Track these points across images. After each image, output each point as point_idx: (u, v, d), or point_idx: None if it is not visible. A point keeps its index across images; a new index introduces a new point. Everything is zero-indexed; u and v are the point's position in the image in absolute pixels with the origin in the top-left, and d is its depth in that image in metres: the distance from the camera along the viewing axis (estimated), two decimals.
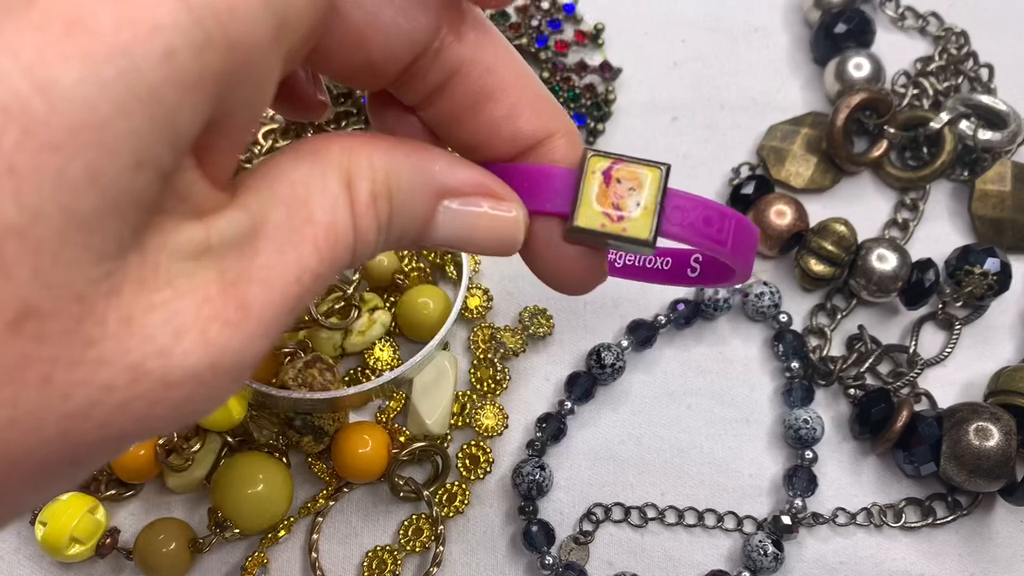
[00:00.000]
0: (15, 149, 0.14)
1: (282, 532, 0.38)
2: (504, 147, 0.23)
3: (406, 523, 0.38)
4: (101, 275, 0.15)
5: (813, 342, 0.41)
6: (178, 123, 0.15)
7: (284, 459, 0.39)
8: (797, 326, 0.42)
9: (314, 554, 0.38)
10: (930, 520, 0.39)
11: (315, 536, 0.38)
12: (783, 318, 0.41)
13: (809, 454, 0.39)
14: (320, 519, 0.38)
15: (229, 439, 0.38)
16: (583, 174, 0.22)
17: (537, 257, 0.24)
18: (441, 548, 0.38)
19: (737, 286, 0.41)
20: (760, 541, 0.37)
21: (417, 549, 0.38)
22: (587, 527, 0.39)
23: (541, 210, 0.22)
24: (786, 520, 0.38)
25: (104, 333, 0.15)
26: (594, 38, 0.47)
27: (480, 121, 0.23)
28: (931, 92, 0.45)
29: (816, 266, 0.41)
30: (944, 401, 0.40)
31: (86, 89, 0.14)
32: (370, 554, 0.38)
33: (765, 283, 0.42)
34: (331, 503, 0.39)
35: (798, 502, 0.38)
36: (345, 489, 0.39)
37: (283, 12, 0.16)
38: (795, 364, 0.40)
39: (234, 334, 0.17)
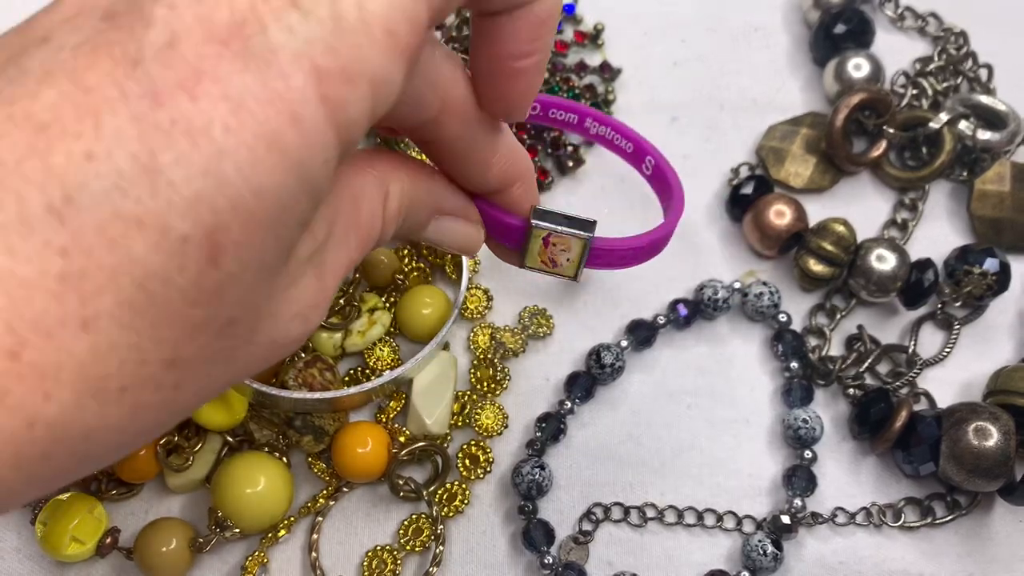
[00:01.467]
0: (234, 227, 0.18)
1: (282, 532, 0.38)
2: (476, 188, 0.29)
3: (406, 523, 0.38)
4: (268, 293, 0.21)
5: (812, 342, 0.42)
6: (313, 180, 0.20)
7: (284, 459, 0.39)
8: (796, 326, 0.42)
9: (314, 554, 0.38)
10: (929, 520, 0.39)
11: (315, 536, 0.38)
12: (782, 318, 0.41)
13: (808, 454, 0.39)
14: (320, 519, 0.38)
15: (229, 439, 0.39)
16: (529, 237, 0.30)
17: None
18: (441, 548, 0.38)
19: (736, 286, 0.42)
20: (759, 541, 0.37)
21: (417, 549, 0.38)
22: (587, 527, 0.39)
23: (502, 243, 0.31)
24: (785, 520, 0.38)
25: (261, 326, 0.22)
26: (594, 38, 0.47)
27: (459, 170, 0.29)
28: (930, 92, 0.46)
29: (815, 266, 0.42)
30: (943, 401, 0.40)
31: (278, 181, 0.19)
32: (370, 554, 0.38)
33: (764, 283, 0.42)
34: (331, 503, 0.39)
35: (797, 502, 0.38)
36: (345, 489, 0.39)
37: (378, 111, 0.21)
38: (794, 364, 0.41)
39: (320, 316, 0.24)
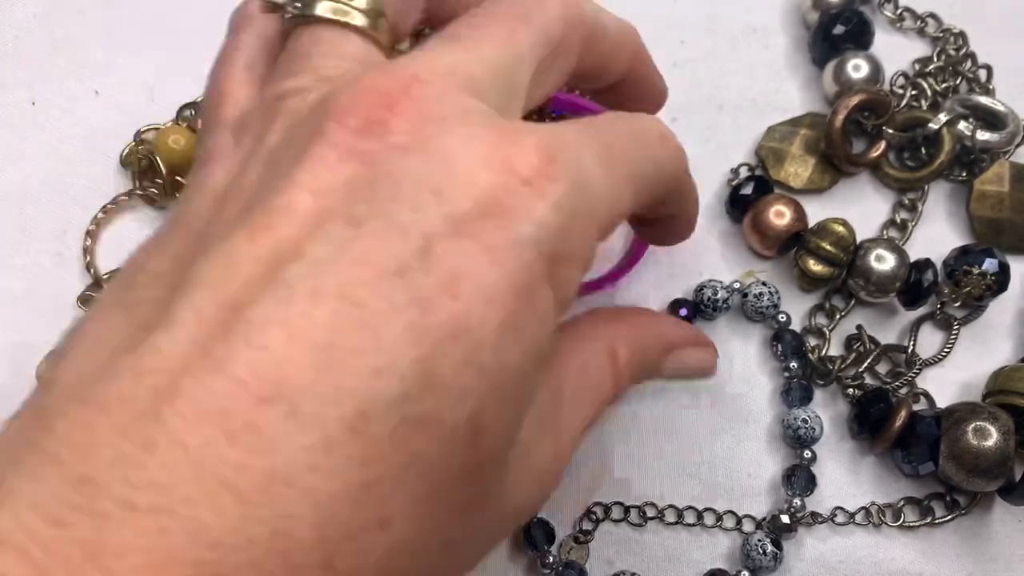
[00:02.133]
0: (489, 407, 0.20)
1: None
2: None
3: None
4: (511, 463, 0.23)
5: (812, 342, 0.42)
6: (546, 357, 0.23)
7: None
8: (796, 326, 0.42)
9: None
10: (929, 519, 0.39)
11: None
12: (782, 318, 0.41)
13: (808, 453, 0.39)
14: None
15: None
16: None
17: None
18: None
19: (736, 286, 0.42)
20: (759, 540, 0.37)
21: None
22: (587, 526, 0.39)
23: None
24: (785, 519, 0.38)
25: (508, 497, 0.23)
26: None
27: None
28: (929, 93, 0.46)
29: (815, 266, 0.42)
30: (942, 401, 0.40)
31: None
32: None
33: (764, 283, 0.42)
34: None
35: (797, 501, 0.38)
36: None
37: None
38: (794, 364, 0.41)
39: (556, 481, 0.26)
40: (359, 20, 0.24)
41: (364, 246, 0.18)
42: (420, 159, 0.19)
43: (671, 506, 0.39)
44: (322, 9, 0.24)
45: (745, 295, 0.42)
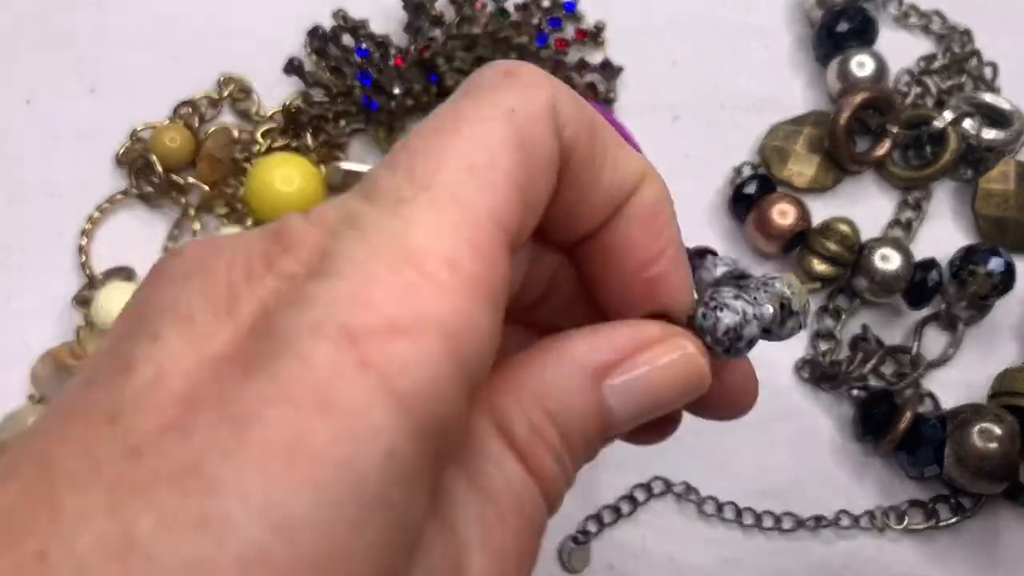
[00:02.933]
0: None
1: None
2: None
3: None
4: None
5: (822, 346, 0.41)
6: (408, 523, 0.15)
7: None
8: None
9: None
10: (933, 522, 0.38)
11: None
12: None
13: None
14: None
15: None
16: None
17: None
18: None
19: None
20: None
21: None
22: (591, 527, 0.38)
23: None
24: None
25: None
26: (595, 36, 0.47)
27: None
28: (934, 91, 0.45)
29: (819, 266, 0.41)
30: (947, 402, 0.40)
31: (320, 515, 0.14)
32: None
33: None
34: None
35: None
36: None
37: (470, 368, 0.16)
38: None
39: None
40: None
41: (93, 397, 0.15)
42: None
43: (677, 492, 0.39)
44: None
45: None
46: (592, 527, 0.38)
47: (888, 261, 0.40)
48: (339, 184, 0.43)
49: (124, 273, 0.42)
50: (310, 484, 0.14)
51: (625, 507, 0.39)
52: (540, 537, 0.19)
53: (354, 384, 0.14)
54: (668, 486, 0.39)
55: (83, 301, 0.41)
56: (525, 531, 0.18)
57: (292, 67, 0.45)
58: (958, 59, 0.46)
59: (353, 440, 0.14)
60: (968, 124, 0.43)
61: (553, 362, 0.19)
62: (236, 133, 0.44)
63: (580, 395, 0.19)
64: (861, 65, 0.44)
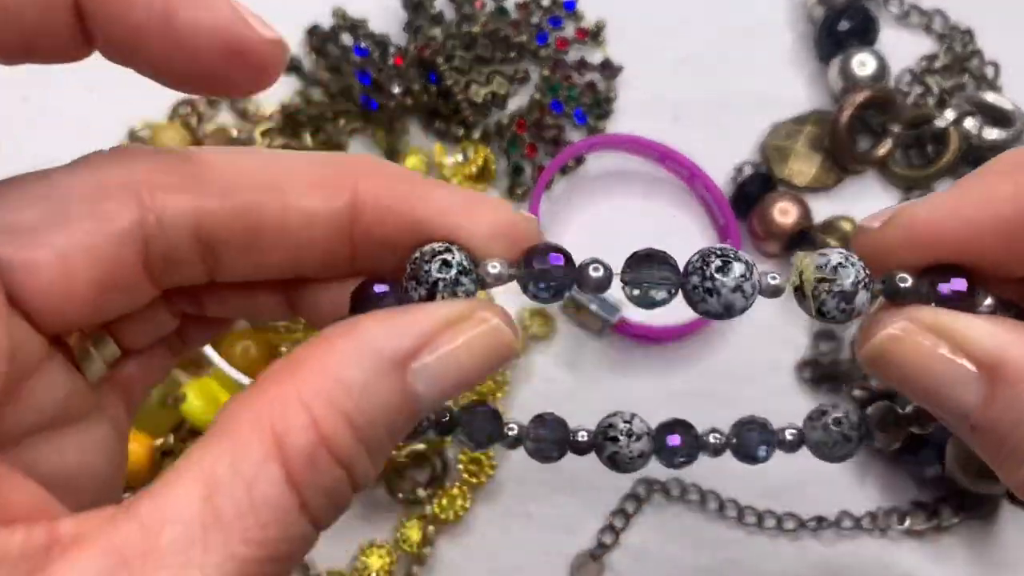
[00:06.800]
0: None
1: None
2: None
3: (406, 524, 0.38)
4: None
5: (823, 347, 0.41)
6: None
7: None
8: (803, 327, 0.41)
9: None
10: (935, 523, 0.38)
11: None
12: None
13: None
14: None
15: None
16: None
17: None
18: (436, 550, 0.37)
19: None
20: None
21: (414, 551, 0.37)
22: (607, 539, 0.38)
23: None
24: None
25: None
26: (595, 35, 0.46)
27: None
28: (936, 90, 0.45)
29: None
30: None
31: None
32: (364, 555, 0.37)
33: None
34: None
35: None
36: None
37: None
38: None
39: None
40: None
41: None
42: None
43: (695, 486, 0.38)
44: None
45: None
46: (607, 539, 0.38)
47: None
48: None
49: None
50: None
51: (630, 506, 0.38)
52: (289, 557, 0.18)
53: None
54: (669, 486, 0.39)
55: None
56: (264, 556, 0.17)
57: (291, 66, 0.45)
58: (960, 58, 0.46)
59: None
60: (970, 123, 0.43)
61: (349, 354, 0.19)
62: (235, 132, 0.44)
63: (382, 387, 0.19)
64: (862, 64, 0.44)
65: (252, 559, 0.17)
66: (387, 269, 0.22)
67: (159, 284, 0.21)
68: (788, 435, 0.26)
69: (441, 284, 0.21)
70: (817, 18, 0.46)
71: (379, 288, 0.21)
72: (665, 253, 0.22)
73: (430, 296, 0.21)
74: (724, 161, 0.44)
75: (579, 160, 0.44)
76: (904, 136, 0.44)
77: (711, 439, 0.26)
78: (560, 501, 0.39)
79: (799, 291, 0.22)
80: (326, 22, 0.45)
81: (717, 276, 0.21)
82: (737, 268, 0.22)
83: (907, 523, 0.38)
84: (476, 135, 0.44)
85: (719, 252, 0.22)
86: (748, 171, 0.44)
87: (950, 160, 0.43)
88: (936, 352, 0.21)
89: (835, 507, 0.39)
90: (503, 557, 0.38)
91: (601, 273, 0.22)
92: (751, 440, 0.26)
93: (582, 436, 0.25)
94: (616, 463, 0.25)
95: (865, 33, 0.45)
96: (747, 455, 0.26)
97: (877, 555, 0.38)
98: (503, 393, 0.40)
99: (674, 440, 0.26)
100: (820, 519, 0.38)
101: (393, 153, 0.44)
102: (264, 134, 0.44)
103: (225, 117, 0.45)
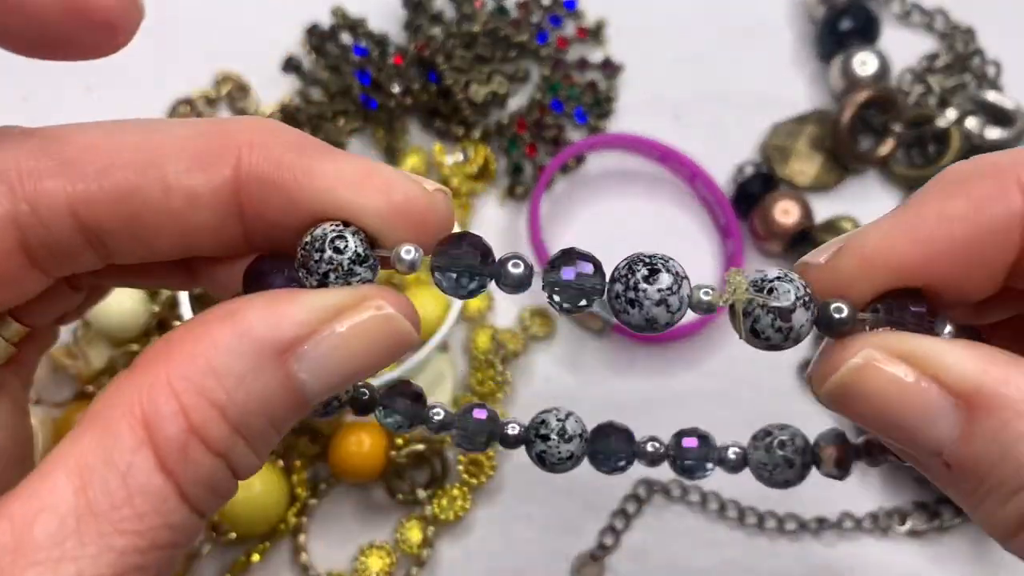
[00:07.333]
0: None
1: (282, 530, 0.37)
2: None
3: (405, 525, 0.38)
4: None
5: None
6: None
7: (280, 461, 0.38)
8: None
9: (304, 555, 0.37)
10: (937, 524, 0.38)
11: (302, 537, 0.38)
12: None
13: None
14: (304, 519, 0.38)
15: None
16: None
17: None
18: (436, 551, 0.37)
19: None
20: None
21: (413, 551, 0.37)
22: (608, 540, 0.38)
23: None
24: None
25: None
26: (596, 34, 0.46)
27: None
28: (937, 89, 0.45)
29: None
30: None
31: None
32: (364, 556, 0.37)
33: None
34: (312, 501, 0.38)
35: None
36: (323, 486, 0.38)
37: None
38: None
39: None
40: None
41: None
42: None
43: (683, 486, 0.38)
44: None
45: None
46: (608, 540, 0.38)
47: None
48: None
49: None
50: None
51: (631, 507, 0.38)
52: (171, 550, 0.18)
53: None
54: (670, 487, 0.39)
55: None
56: (141, 548, 0.17)
57: (290, 65, 0.45)
58: (961, 58, 0.46)
59: None
60: (971, 123, 0.43)
61: (225, 343, 0.18)
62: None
63: (261, 378, 0.18)
64: (864, 63, 0.44)
65: (131, 549, 0.17)
66: (288, 246, 0.20)
67: (50, 273, 0.20)
68: (731, 454, 0.24)
69: (332, 276, 0.19)
70: (818, 17, 0.46)
71: (270, 267, 0.20)
72: (591, 255, 0.20)
73: (322, 287, 0.19)
74: (725, 161, 0.44)
75: (579, 159, 0.44)
76: (905, 135, 0.44)
77: (649, 448, 0.24)
78: (560, 502, 0.39)
79: (732, 308, 0.20)
80: (325, 21, 0.45)
81: (641, 285, 0.19)
82: (664, 279, 0.19)
83: (908, 524, 0.38)
84: (476, 134, 0.44)
85: (647, 260, 0.19)
86: (749, 171, 0.44)
87: (952, 159, 0.43)
88: (908, 382, 0.18)
89: (836, 508, 0.39)
90: (503, 558, 0.38)
91: (521, 270, 0.20)
92: (690, 454, 0.24)
93: (512, 429, 0.24)
94: (543, 461, 0.24)
95: (866, 32, 0.45)
96: (684, 469, 0.24)
97: (878, 556, 0.38)
98: (504, 393, 0.40)
99: (609, 445, 0.24)
100: (821, 520, 0.38)
101: (393, 152, 0.43)
102: None
103: (224, 116, 0.45)
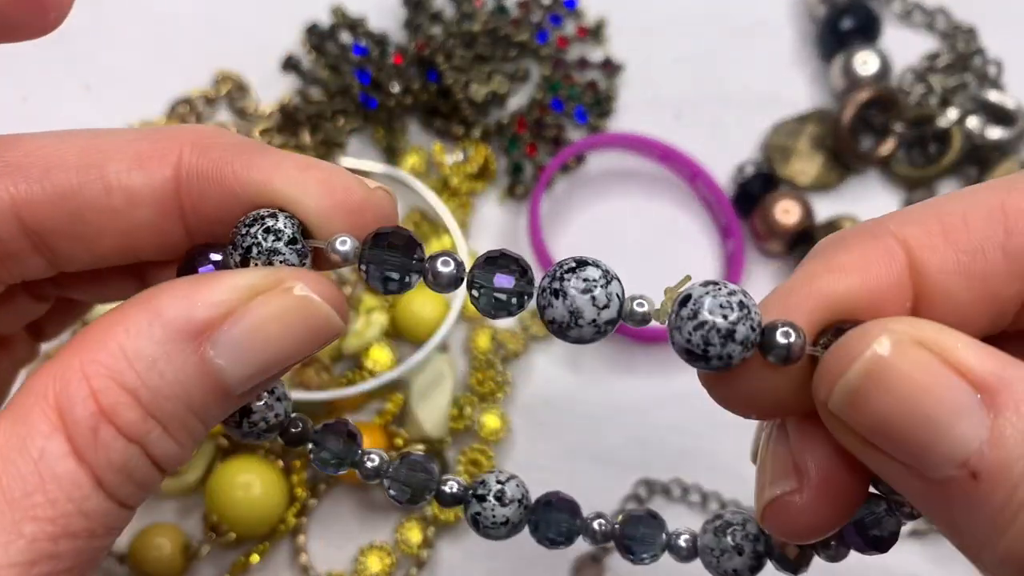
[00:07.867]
0: None
1: (281, 530, 0.37)
2: None
3: (405, 526, 0.38)
4: None
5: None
6: None
7: (280, 462, 0.38)
8: None
9: (304, 555, 0.37)
10: None
11: (302, 538, 0.38)
12: None
13: None
14: (304, 519, 0.38)
15: (223, 441, 0.38)
16: None
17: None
18: (435, 551, 0.37)
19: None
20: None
21: (413, 552, 0.37)
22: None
23: None
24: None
25: None
26: (596, 33, 0.46)
27: None
28: (939, 89, 0.45)
29: None
30: None
31: None
32: (364, 556, 0.37)
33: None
34: (312, 501, 0.38)
35: None
36: (323, 485, 0.38)
37: None
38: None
39: None
40: None
41: None
42: None
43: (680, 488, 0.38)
44: None
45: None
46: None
47: None
48: None
49: None
50: None
51: (631, 507, 0.38)
52: (96, 537, 0.18)
53: None
54: (670, 488, 0.39)
55: None
56: (52, 535, 0.17)
57: (290, 64, 0.45)
58: (962, 57, 0.46)
59: None
60: (972, 122, 0.43)
61: (138, 326, 0.18)
62: (233, 131, 0.43)
63: (174, 361, 0.18)
64: (865, 63, 0.44)
65: (42, 536, 0.17)
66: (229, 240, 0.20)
67: (1, 280, 0.20)
68: (683, 541, 0.23)
69: (255, 250, 0.19)
70: (819, 16, 0.46)
71: (199, 251, 0.20)
72: (518, 256, 0.20)
73: (244, 263, 0.19)
74: (726, 160, 0.44)
75: (580, 159, 0.44)
76: (907, 135, 0.43)
77: (595, 525, 0.23)
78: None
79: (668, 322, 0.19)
80: (325, 20, 0.45)
81: (567, 276, 0.19)
82: (591, 271, 0.19)
83: (909, 524, 0.38)
84: (476, 134, 0.44)
85: (579, 259, 0.19)
86: (750, 170, 0.44)
87: (953, 159, 0.43)
88: (940, 371, 0.16)
89: None
90: (503, 558, 0.38)
91: (451, 268, 0.19)
92: (635, 535, 0.23)
93: (451, 488, 0.23)
94: (477, 524, 0.23)
95: (867, 31, 0.45)
96: (629, 551, 0.23)
97: (878, 556, 0.38)
98: (504, 393, 0.40)
99: (551, 517, 0.23)
100: None
101: (392, 152, 0.43)
102: (263, 133, 0.43)
103: (223, 115, 0.45)
